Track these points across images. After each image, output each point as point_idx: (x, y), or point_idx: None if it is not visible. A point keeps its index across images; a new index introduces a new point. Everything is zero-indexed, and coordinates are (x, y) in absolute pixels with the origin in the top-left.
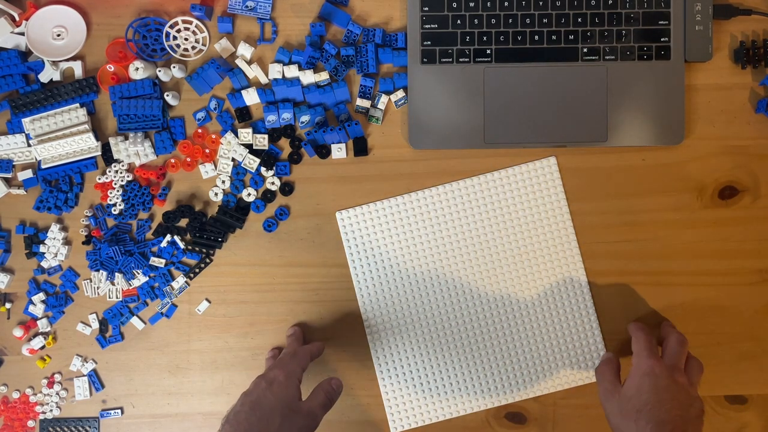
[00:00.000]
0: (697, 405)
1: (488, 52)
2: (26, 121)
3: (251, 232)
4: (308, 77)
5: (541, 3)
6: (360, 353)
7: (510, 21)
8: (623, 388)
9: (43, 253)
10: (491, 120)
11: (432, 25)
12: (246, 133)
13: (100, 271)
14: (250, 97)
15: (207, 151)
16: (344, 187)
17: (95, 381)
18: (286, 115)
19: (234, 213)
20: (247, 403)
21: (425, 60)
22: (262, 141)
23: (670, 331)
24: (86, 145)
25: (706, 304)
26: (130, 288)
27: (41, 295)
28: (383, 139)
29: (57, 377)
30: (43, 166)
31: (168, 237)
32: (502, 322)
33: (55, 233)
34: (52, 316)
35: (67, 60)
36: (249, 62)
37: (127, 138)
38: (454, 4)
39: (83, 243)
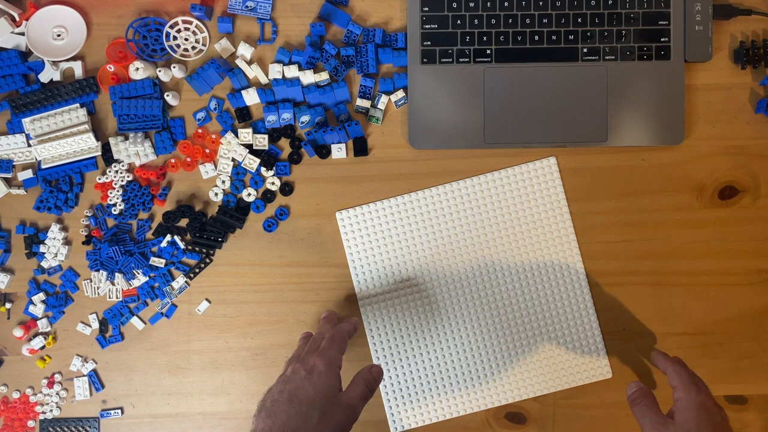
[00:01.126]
0: None
1: (488, 52)
2: (26, 121)
3: (251, 232)
4: (308, 77)
5: (541, 3)
6: (360, 353)
7: (510, 21)
8: (678, 422)
9: (43, 253)
10: (491, 120)
11: (432, 25)
12: (246, 133)
13: (100, 271)
14: (250, 97)
15: (207, 151)
16: (344, 187)
17: (95, 381)
18: (286, 115)
19: (234, 213)
20: (285, 393)
21: (425, 60)
22: (262, 141)
23: (684, 366)
24: (86, 145)
25: (706, 304)
26: (130, 288)
27: (41, 295)
28: (383, 139)
29: (57, 377)
30: (43, 166)
31: (168, 237)
32: (502, 321)
33: (55, 233)
34: (52, 316)
35: (67, 60)
36: (249, 62)
37: (127, 138)
38: (454, 4)
39: (83, 243)
